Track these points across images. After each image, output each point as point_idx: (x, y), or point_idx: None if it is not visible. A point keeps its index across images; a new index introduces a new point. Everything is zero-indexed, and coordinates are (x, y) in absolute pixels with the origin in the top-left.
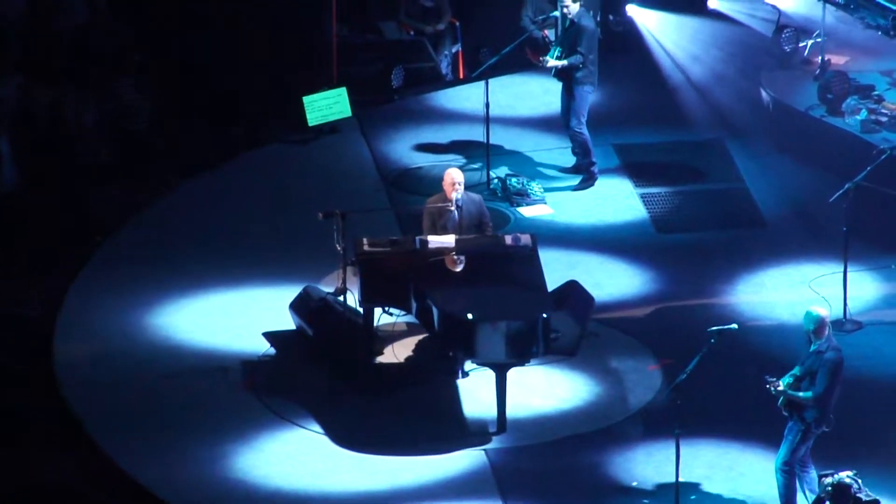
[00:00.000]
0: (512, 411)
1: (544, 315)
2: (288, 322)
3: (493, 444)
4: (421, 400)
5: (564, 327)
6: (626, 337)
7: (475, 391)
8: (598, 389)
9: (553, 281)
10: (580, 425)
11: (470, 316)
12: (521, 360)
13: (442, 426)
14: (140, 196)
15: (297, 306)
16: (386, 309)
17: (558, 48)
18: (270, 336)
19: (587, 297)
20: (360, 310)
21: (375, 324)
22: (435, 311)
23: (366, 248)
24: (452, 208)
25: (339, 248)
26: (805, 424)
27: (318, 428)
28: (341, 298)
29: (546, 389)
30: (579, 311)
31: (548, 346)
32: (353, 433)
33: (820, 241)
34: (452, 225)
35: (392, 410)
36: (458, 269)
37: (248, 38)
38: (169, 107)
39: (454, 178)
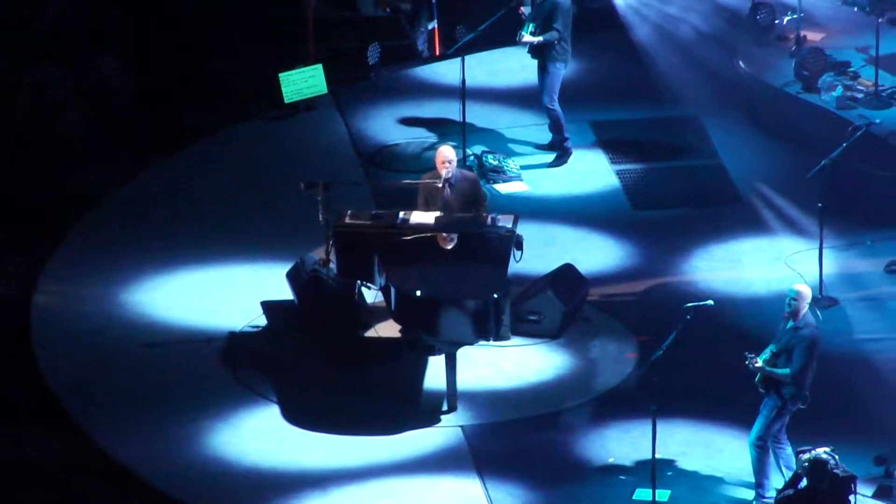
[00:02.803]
0: (488, 388)
1: (495, 296)
2: (270, 294)
3: (470, 420)
4: (395, 376)
5: (548, 310)
6: (617, 322)
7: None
8: (565, 372)
9: (528, 256)
10: (530, 407)
11: (419, 293)
12: (470, 340)
13: (417, 402)
14: (119, 173)
15: (291, 276)
16: (364, 283)
17: (531, 24)
18: (266, 306)
19: (579, 281)
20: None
21: (367, 299)
22: (391, 287)
23: (346, 220)
24: (440, 185)
25: (321, 220)
26: (781, 401)
27: (293, 404)
28: (326, 270)
29: (511, 369)
30: (565, 294)
31: (499, 328)
32: (329, 409)
33: (796, 218)
34: (443, 202)
35: (369, 386)
36: (450, 247)
37: (225, 14)
38: (147, 85)
39: (445, 155)
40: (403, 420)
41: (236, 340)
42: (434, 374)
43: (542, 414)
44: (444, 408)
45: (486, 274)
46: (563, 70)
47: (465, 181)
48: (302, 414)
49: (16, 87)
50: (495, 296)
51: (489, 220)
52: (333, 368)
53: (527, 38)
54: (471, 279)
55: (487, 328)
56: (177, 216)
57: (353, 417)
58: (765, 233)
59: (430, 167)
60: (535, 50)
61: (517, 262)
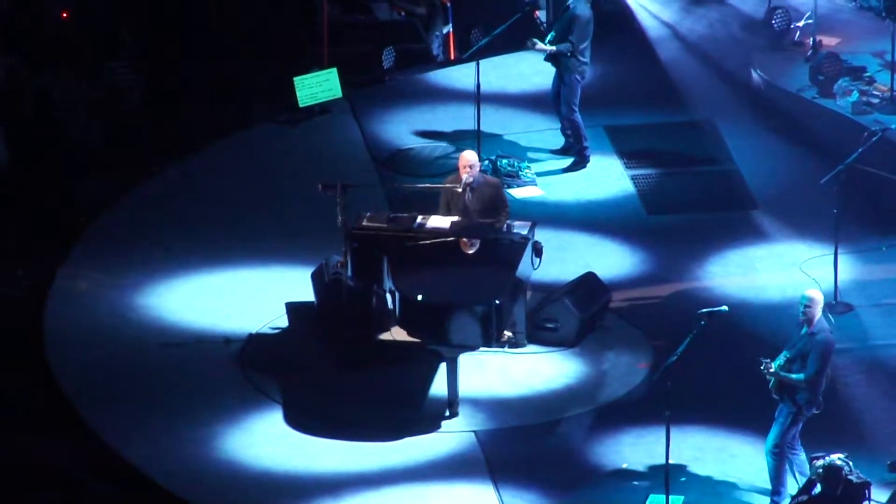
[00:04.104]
0: (502, 394)
1: (496, 302)
2: (284, 297)
3: (483, 426)
4: (406, 380)
5: (565, 318)
6: (633, 329)
7: (465, 373)
8: (575, 380)
9: (542, 261)
10: (544, 413)
11: (419, 297)
12: (471, 345)
13: (420, 408)
14: (129, 177)
15: (315, 276)
16: (375, 286)
17: (552, 32)
18: (288, 307)
19: (599, 289)
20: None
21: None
22: (396, 291)
23: (363, 223)
24: (459, 189)
25: (339, 222)
26: (796, 406)
27: (307, 408)
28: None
29: (518, 375)
30: (583, 303)
31: (500, 334)
32: (342, 413)
33: (811, 223)
34: (462, 206)
35: (380, 390)
36: (471, 251)
37: (238, 18)
38: (159, 88)
39: (467, 159)
40: (416, 425)
41: (251, 343)
42: (443, 380)
43: (554, 420)
44: (446, 414)
45: (489, 279)
46: (581, 83)
47: (488, 186)
48: (315, 418)
49: (24, 89)
50: (497, 302)
51: (505, 227)
52: (346, 371)
53: (540, 45)
54: (474, 284)
55: (489, 334)
56: (190, 219)
57: (366, 422)
58: (780, 238)
59: (444, 171)
60: (551, 58)
61: (535, 268)
